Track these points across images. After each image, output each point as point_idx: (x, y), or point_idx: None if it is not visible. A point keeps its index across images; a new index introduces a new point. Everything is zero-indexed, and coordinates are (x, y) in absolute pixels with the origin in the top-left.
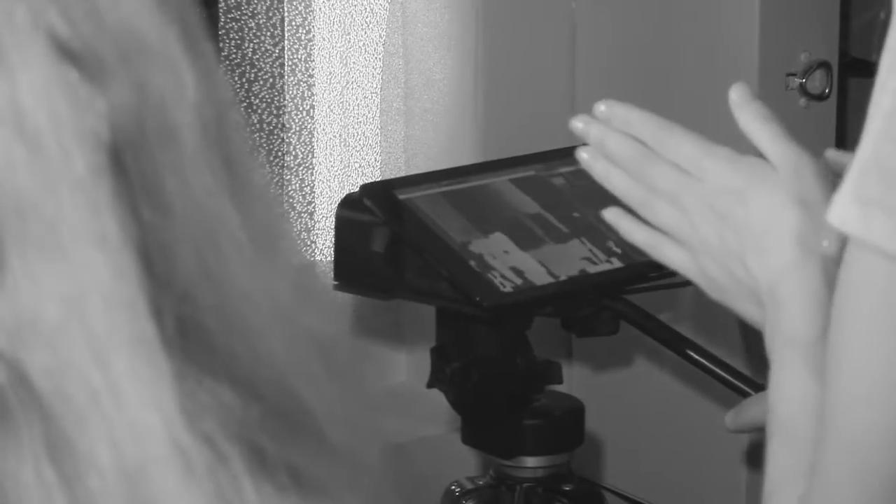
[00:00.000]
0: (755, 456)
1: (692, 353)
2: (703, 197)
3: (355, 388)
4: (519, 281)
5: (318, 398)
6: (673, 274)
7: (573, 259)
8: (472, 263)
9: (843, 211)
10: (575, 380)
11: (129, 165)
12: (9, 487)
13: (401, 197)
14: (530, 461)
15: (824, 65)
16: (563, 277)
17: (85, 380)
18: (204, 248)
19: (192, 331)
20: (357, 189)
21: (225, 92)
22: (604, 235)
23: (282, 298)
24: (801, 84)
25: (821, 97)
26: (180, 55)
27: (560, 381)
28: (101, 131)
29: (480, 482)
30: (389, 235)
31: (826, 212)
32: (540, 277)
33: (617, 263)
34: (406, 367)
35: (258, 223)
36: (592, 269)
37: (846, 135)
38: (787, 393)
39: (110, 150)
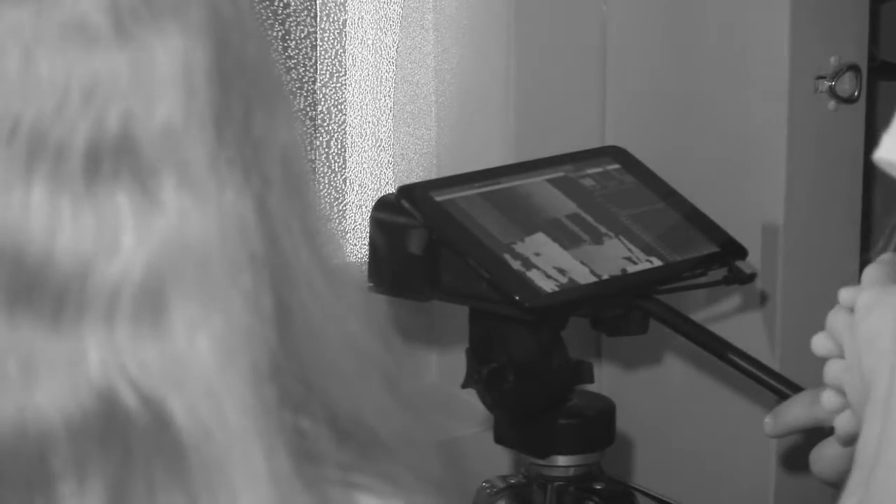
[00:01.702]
0: (789, 457)
1: (726, 353)
2: (850, 324)
3: (417, 408)
4: (563, 280)
5: (386, 425)
6: (697, 275)
7: (614, 258)
8: (517, 264)
9: None
10: (604, 379)
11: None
12: None
13: (438, 199)
14: (562, 460)
15: (854, 68)
16: (605, 276)
17: (222, 418)
18: (283, 287)
19: (273, 368)
20: (391, 191)
21: (299, 130)
22: (638, 235)
23: (351, 331)
24: (830, 87)
25: (850, 100)
26: (286, 97)
27: (591, 381)
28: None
29: (512, 481)
30: (427, 237)
31: None
32: (583, 277)
33: (657, 262)
34: (437, 368)
35: (327, 259)
36: (632, 269)
37: (875, 137)
38: (867, 438)
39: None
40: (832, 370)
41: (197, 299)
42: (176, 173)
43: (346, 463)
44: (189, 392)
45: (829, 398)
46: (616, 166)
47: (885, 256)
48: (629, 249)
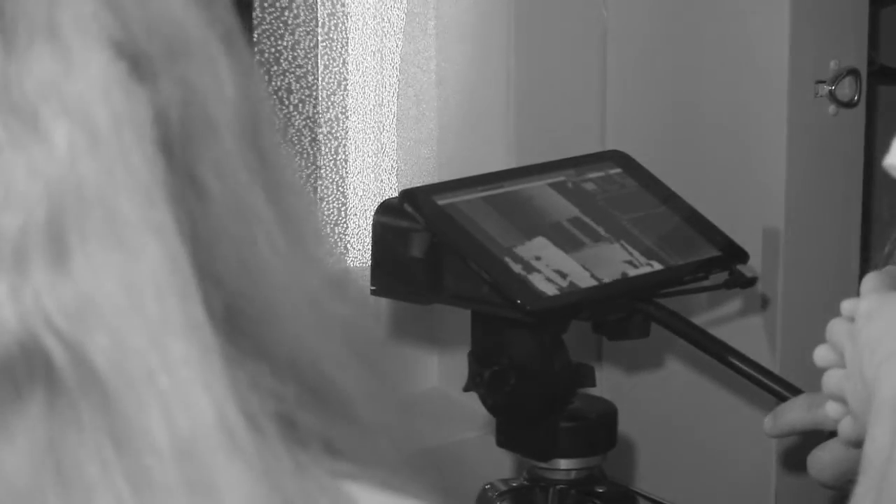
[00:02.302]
0: (789, 459)
1: (727, 356)
2: (850, 332)
3: (378, 366)
4: (564, 284)
5: (346, 378)
6: (698, 279)
7: (615, 262)
8: (518, 267)
9: None
10: (605, 382)
11: (175, 158)
12: (69, 465)
13: (440, 202)
14: (564, 463)
15: (853, 72)
16: (606, 280)
17: (143, 361)
18: (240, 239)
19: (231, 316)
20: (394, 195)
21: (260, 88)
22: (639, 239)
23: (311, 286)
24: (830, 91)
25: (850, 104)
26: (220, 54)
27: (593, 385)
28: (152, 125)
29: (514, 484)
30: (429, 240)
31: None
32: (584, 280)
33: (657, 266)
34: (438, 371)
35: (289, 215)
36: (633, 272)
37: (874, 142)
38: (876, 442)
39: (159, 143)
40: (832, 379)
41: (102, 241)
42: (66, 115)
43: (304, 412)
44: (107, 337)
45: (832, 408)
46: (618, 170)
47: (890, 268)
48: (630, 253)
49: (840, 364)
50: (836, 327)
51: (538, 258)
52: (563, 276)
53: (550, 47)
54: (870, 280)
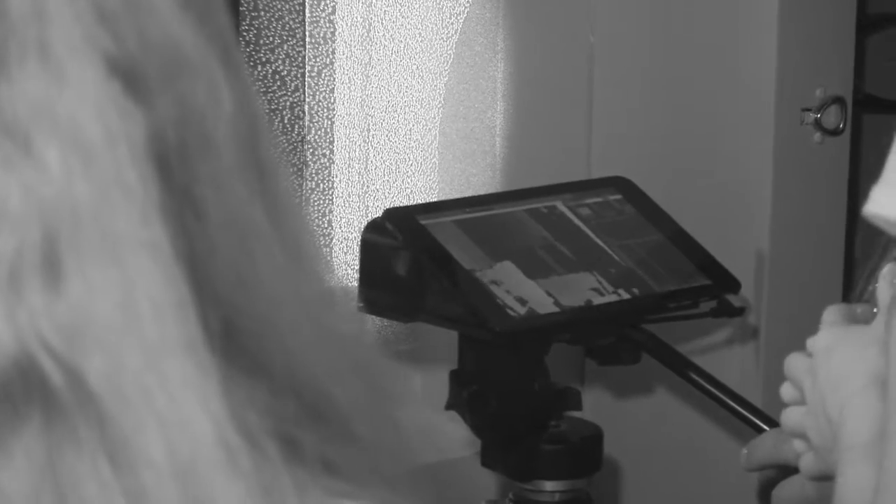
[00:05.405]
0: (764, 492)
1: (707, 385)
2: (809, 368)
3: (376, 382)
4: (522, 310)
5: (344, 393)
6: (685, 307)
7: (581, 289)
8: (481, 289)
9: None
10: (588, 405)
11: (172, 176)
12: (67, 485)
13: (423, 222)
14: (549, 485)
15: (839, 100)
16: (567, 307)
17: (139, 380)
18: (238, 255)
19: (228, 333)
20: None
21: (257, 104)
22: (620, 266)
23: (309, 301)
24: (816, 119)
25: (835, 132)
26: (218, 70)
27: (579, 408)
28: (147, 143)
29: None
30: (411, 259)
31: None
32: (545, 307)
33: (624, 295)
34: (421, 392)
35: (288, 230)
36: (598, 300)
37: (859, 169)
38: (851, 484)
39: (155, 161)
40: (792, 417)
41: (97, 261)
42: (59, 135)
43: (302, 430)
44: (103, 357)
45: (798, 444)
46: (617, 197)
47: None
48: (598, 282)
49: (801, 401)
50: (794, 363)
51: (500, 283)
52: (523, 301)
53: (537, 72)
54: (830, 313)
